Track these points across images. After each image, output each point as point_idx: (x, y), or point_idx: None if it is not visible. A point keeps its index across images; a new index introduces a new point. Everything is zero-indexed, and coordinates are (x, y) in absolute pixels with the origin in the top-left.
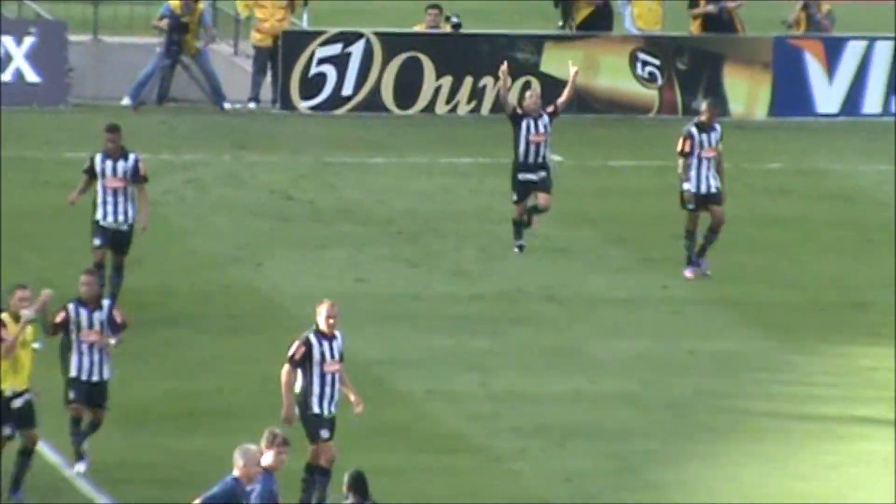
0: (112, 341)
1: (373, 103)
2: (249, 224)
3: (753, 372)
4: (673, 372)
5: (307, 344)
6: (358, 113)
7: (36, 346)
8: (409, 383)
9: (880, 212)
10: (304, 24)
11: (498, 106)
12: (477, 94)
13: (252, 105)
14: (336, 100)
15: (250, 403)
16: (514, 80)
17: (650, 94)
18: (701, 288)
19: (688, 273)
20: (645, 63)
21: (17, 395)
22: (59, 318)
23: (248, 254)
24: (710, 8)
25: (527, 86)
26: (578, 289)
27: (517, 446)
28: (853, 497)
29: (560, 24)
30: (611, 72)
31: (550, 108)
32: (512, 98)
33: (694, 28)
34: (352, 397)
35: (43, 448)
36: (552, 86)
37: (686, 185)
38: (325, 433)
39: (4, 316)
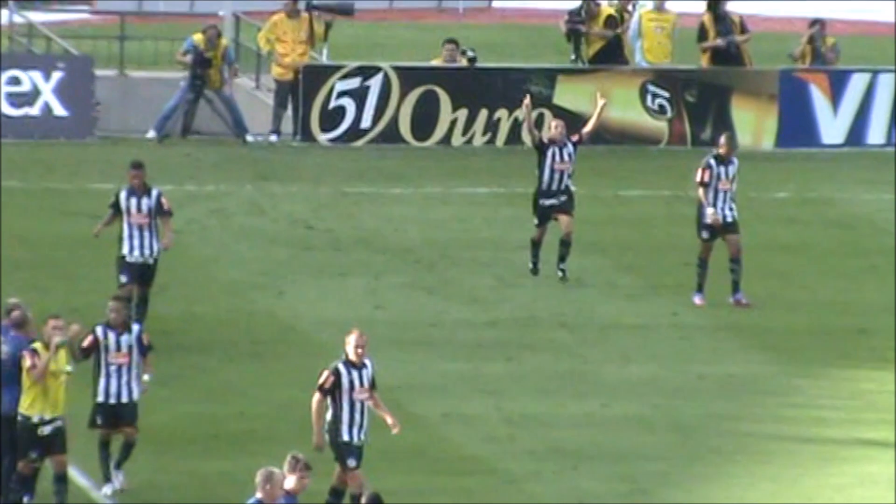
0: (146, 377)
1: (390, 135)
2: (271, 252)
3: (760, 395)
4: (682, 396)
5: (336, 373)
6: (376, 144)
7: (68, 368)
8: (427, 407)
9: (883, 239)
10: (324, 58)
11: (513, 137)
12: (492, 127)
13: (273, 137)
14: (355, 132)
15: (272, 427)
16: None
17: (660, 125)
18: (709, 314)
19: (697, 300)
20: (655, 95)
21: (46, 422)
22: (88, 341)
23: (269, 281)
24: (719, 42)
25: (540, 118)
26: (590, 315)
27: (531, 468)
28: None
29: (572, 57)
30: (622, 104)
31: (575, 137)
32: (536, 128)
33: (703, 61)
34: (388, 420)
35: (72, 472)
36: (565, 118)
37: (710, 210)
38: (352, 462)
39: (38, 345)
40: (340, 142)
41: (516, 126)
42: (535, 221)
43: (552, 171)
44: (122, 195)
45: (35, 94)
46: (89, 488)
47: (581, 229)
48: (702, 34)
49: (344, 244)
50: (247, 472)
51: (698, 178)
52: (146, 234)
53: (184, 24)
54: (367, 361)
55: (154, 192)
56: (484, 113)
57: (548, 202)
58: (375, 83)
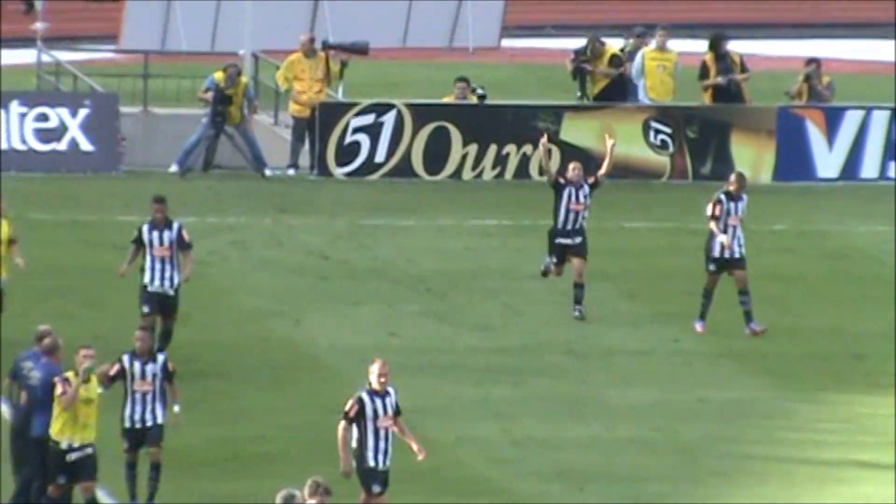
0: (176, 409)
1: (404, 169)
2: (289, 282)
3: (758, 419)
4: (683, 419)
5: (360, 402)
6: (390, 178)
7: (99, 390)
8: (438, 430)
9: (877, 269)
10: (340, 95)
11: (522, 172)
12: (501, 161)
13: (291, 171)
14: (369, 166)
15: (289, 450)
16: (534, 149)
17: (662, 160)
18: (710, 340)
19: (698, 327)
20: (657, 131)
21: (74, 449)
22: (115, 370)
23: (287, 309)
24: (720, 80)
25: (548, 153)
26: (595, 341)
27: (538, 489)
28: None
29: (578, 95)
30: (625, 139)
31: (591, 180)
32: (552, 167)
33: (705, 98)
34: (414, 446)
35: (98, 492)
36: (571, 153)
37: (722, 237)
38: (377, 487)
39: (70, 373)
40: (355, 176)
41: (525, 160)
42: (554, 260)
43: (567, 210)
44: (145, 228)
45: (62, 129)
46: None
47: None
48: (703, 72)
49: (359, 274)
50: (264, 493)
51: (709, 212)
52: (167, 265)
53: (205, 63)
54: (390, 389)
55: (175, 225)
56: (493, 148)
57: (563, 241)
58: (389, 119)
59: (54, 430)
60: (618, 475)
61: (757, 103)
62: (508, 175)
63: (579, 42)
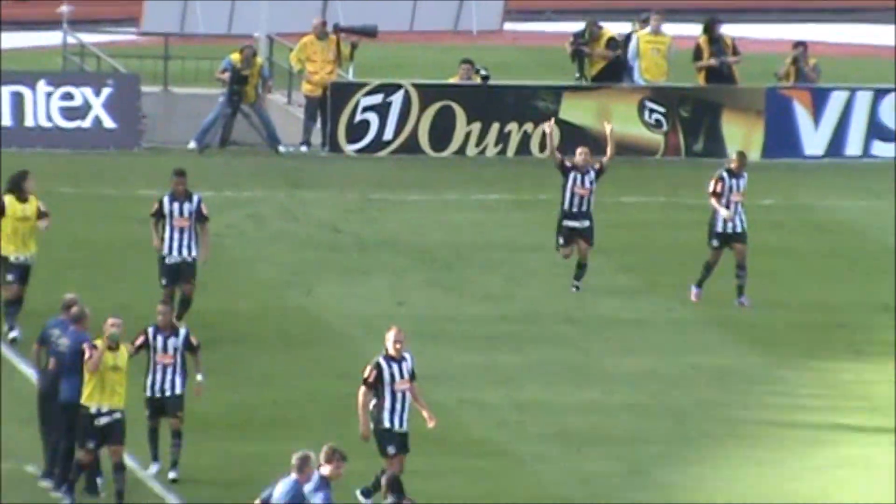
0: (199, 378)
1: (411, 146)
2: (302, 253)
3: (748, 385)
4: (676, 385)
5: (378, 367)
6: (397, 155)
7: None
8: (444, 395)
9: (861, 242)
10: (350, 76)
11: (523, 149)
12: (503, 139)
13: (304, 148)
14: (378, 143)
15: (302, 413)
16: (534, 127)
17: (656, 138)
18: (702, 310)
19: (693, 293)
20: (652, 111)
21: (103, 413)
22: (139, 341)
23: (300, 280)
24: (713, 62)
25: (552, 136)
26: (593, 311)
27: (539, 451)
28: (837, 496)
29: (577, 76)
30: (621, 118)
31: (597, 166)
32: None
33: (699, 79)
34: (425, 413)
35: (126, 457)
36: (570, 131)
37: (724, 212)
38: (392, 449)
39: (98, 341)
40: (365, 152)
41: (525, 138)
42: (561, 241)
43: (572, 194)
44: (166, 200)
45: (86, 108)
46: (135, 467)
47: None
48: (697, 54)
49: (368, 246)
50: (278, 454)
51: (711, 189)
52: (185, 235)
53: (222, 45)
54: (406, 355)
55: (195, 198)
56: (496, 126)
57: (570, 224)
58: (397, 99)
59: (84, 396)
60: (615, 438)
61: (747, 84)
62: (510, 152)
63: (578, 26)
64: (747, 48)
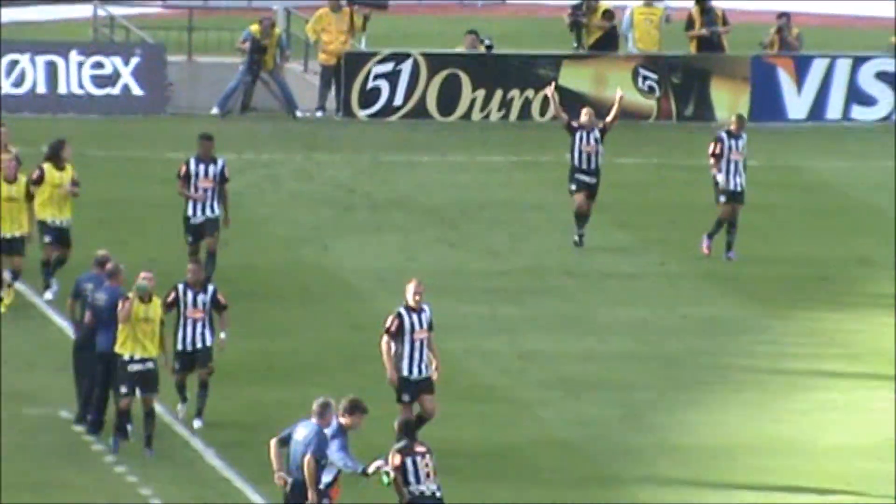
0: (223, 335)
1: (419, 111)
2: (317, 212)
3: (735, 334)
4: (668, 334)
5: (399, 317)
6: (407, 120)
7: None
8: (451, 344)
9: (841, 201)
10: (363, 46)
11: (524, 114)
12: (506, 104)
13: (319, 113)
14: (389, 108)
15: (318, 361)
16: (535, 93)
17: (650, 103)
18: (692, 264)
19: (705, 244)
20: (645, 78)
21: (136, 361)
22: (170, 297)
23: (316, 237)
24: (704, 31)
25: (547, 98)
26: (590, 265)
27: (540, 396)
28: (819, 437)
29: (574, 45)
30: (616, 84)
31: (601, 126)
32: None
33: (691, 47)
34: (434, 362)
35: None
36: (568, 97)
37: (719, 176)
38: (406, 397)
39: (131, 294)
40: (377, 117)
41: (527, 103)
42: (573, 188)
43: (580, 151)
44: (192, 162)
45: (116, 76)
46: (163, 412)
47: None
48: (689, 24)
49: (380, 205)
50: (297, 399)
51: (711, 150)
52: (208, 195)
53: (243, 17)
54: (425, 306)
55: (220, 161)
56: (499, 93)
57: (581, 177)
58: (406, 67)
59: (118, 345)
60: (611, 384)
61: (733, 52)
62: (512, 117)
63: None
64: (734, 19)
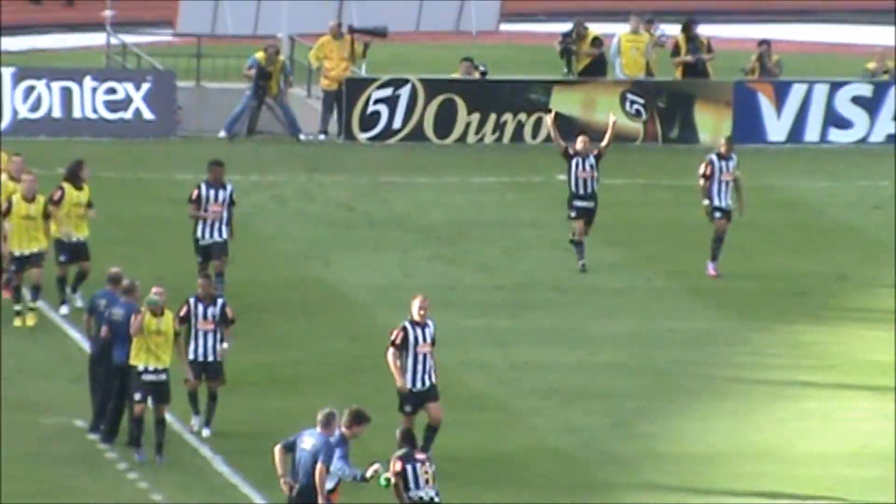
0: (225, 345)
1: (417, 134)
2: (319, 230)
3: (719, 346)
4: (655, 346)
5: (405, 330)
6: (405, 142)
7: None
8: (446, 356)
9: (819, 219)
10: (363, 72)
11: (517, 137)
12: (499, 128)
13: (321, 136)
14: (388, 132)
15: (319, 372)
16: (528, 117)
17: (636, 126)
18: (678, 280)
19: (711, 269)
20: (632, 102)
21: (150, 371)
22: (183, 311)
23: (318, 254)
24: (689, 58)
25: (538, 121)
26: (580, 280)
27: (533, 405)
28: (797, 444)
29: (565, 71)
30: (605, 108)
31: (596, 152)
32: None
33: (677, 73)
34: (433, 374)
35: (167, 416)
36: (559, 119)
37: (706, 202)
38: (408, 408)
39: (143, 309)
40: (376, 140)
41: (519, 127)
42: (572, 214)
43: (576, 178)
44: (203, 187)
45: (128, 101)
46: (173, 422)
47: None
48: (675, 51)
49: (379, 224)
50: (299, 409)
51: (701, 171)
52: (217, 220)
53: (249, 45)
54: (429, 322)
55: (229, 187)
56: (493, 116)
57: (580, 204)
58: (405, 92)
59: (132, 357)
60: (600, 393)
61: (717, 78)
62: (506, 139)
63: (566, 26)
64: (717, 46)
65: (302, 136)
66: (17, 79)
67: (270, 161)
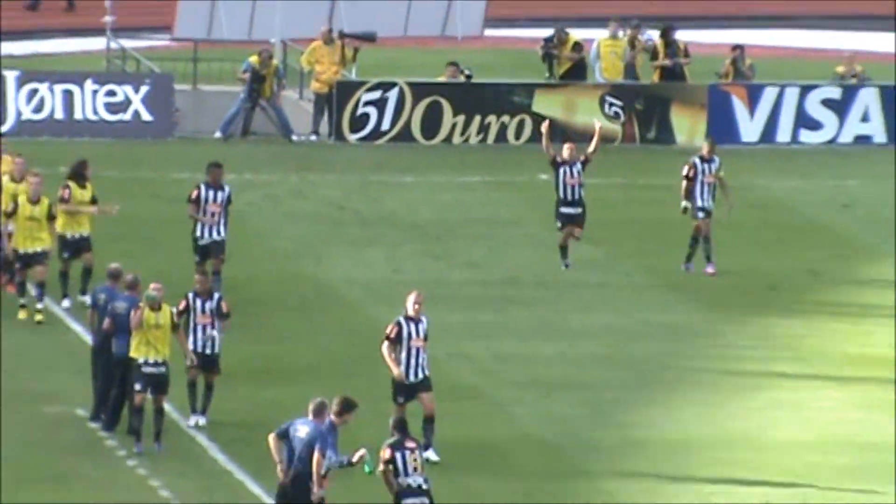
0: (215, 333)
1: (405, 136)
2: (311, 228)
3: (694, 338)
4: (633, 339)
5: (399, 325)
6: (393, 143)
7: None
8: (434, 348)
9: (790, 217)
10: (353, 75)
11: (501, 137)
12: (484, 129)
13: (313, 137)
14: (377, 133)
15: (312, 364)
16: (511, 119)
17: (615, 127)
18: (655, 275)
19: (709, 269)
20: (611, 104)
21: (150, 364)
22: (182, 306)
23: (310, 250)
24: (667, 62)
25: (521, 123)
26: (562, 276)
27: (515, 395)
28: (769, 433)
29: (546, 74)
30: (585, 111)
31: (582, 158)
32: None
33: (655, 77)
34: (426, 367)
35: (166, 405)
36: (541, 121)
37: (683, 203)
38: (401, 399)
39: (142, 304)
40: (366, 141)
41: (503, 128)
42: (558, 225)
43: (565, 184)
44: (202, 188)
45: (127, 103)
46: (172, 412)
47: (552, 210)
48: (654, 55)
49: (369, 221)
50: (293, 399)
51: (684, 173)
52: (216, 219)
53: (243, 49)
54: (422, 317)
55: (227, 189)
56: (478, 118)
57: (567, 210)
58: (393, 95)
59: (132, 349)
60: (580, 384)
61: (692, 81)
62: (490, 140)
63: (548, 32)
64: (693, 51)
65: (294, 137)
66: (21, 82)
67: (264, 161)
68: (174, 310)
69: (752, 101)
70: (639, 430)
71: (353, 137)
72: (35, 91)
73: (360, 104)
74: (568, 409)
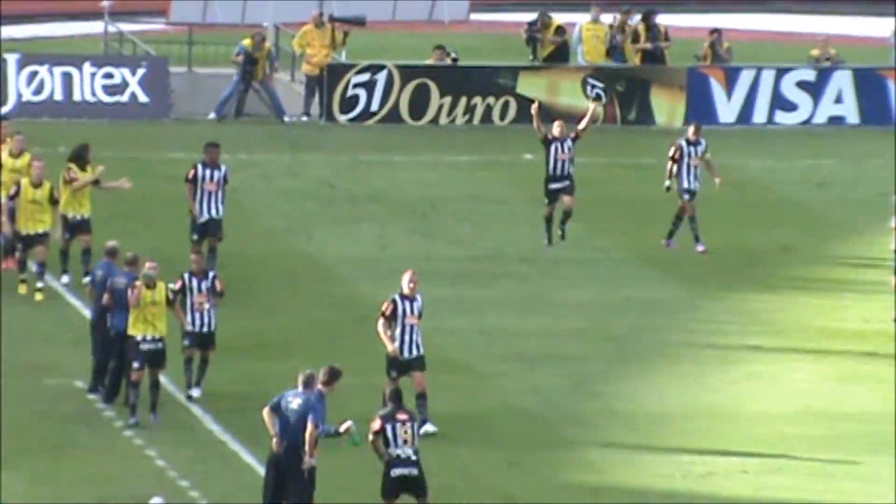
0: (206, 305)
1: (393, 116)
2: (303, 206)
3: (673, 313)
4: (614, 313)
5: (394, 302)
6: (382, 124)
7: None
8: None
9: (766, 195)
10: (343, 58)
11: (486, 118)
12: (470, 110)
13: (304, 118)
14: (366, 114)
15: (303, 338)
16: (496, 100)
17: (597, 109)
18: (635, 252)
19: (699, 248)
20: (593, 86)
21: (147, 340)
22: (178, 285)
23: (301, 228)
24: (648, 46)
25: (506, 104)
26: (545, 252)
27: (500, 368)
28: (746, 405)
29: (530, 57)
30: (568, 92)
31: (573, 134)
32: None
33: (636, 59)
34: (420, 345)
35: (161, 378)
36: (525, 102)
37: (667, 182)
38: (394, 373)
39: (138, 282)
40: (355, 121)
41: (488, 109)
42: (546, 201)
43: (556, 160)
44: (199, 168)
45: (124, 85)
46: (168, 385)
47: (536, 189)
48: (635, 38)
49: (358, 199)
50: (284, 372)
51: (670, 154)
52: (213, 198)
53: (237, 33)
54: (417, 296)
55: (223, 168)
56: (464, 100)
57: (555, 185)
58: (382, 77)
59: (129, 326)
60: (562, 357)
61: (672, 64)
62: (475, 121)
63: (531, 16)
64: (672, 34)
65: (286, 118)
66: (21, 64)
67: (257, 141)
68: (170, 286)
69: (730, 83)
70: (619, 402)
71: (343, 118)
72: (35, 73)
73: (350, 86)
74: (551, 382)
